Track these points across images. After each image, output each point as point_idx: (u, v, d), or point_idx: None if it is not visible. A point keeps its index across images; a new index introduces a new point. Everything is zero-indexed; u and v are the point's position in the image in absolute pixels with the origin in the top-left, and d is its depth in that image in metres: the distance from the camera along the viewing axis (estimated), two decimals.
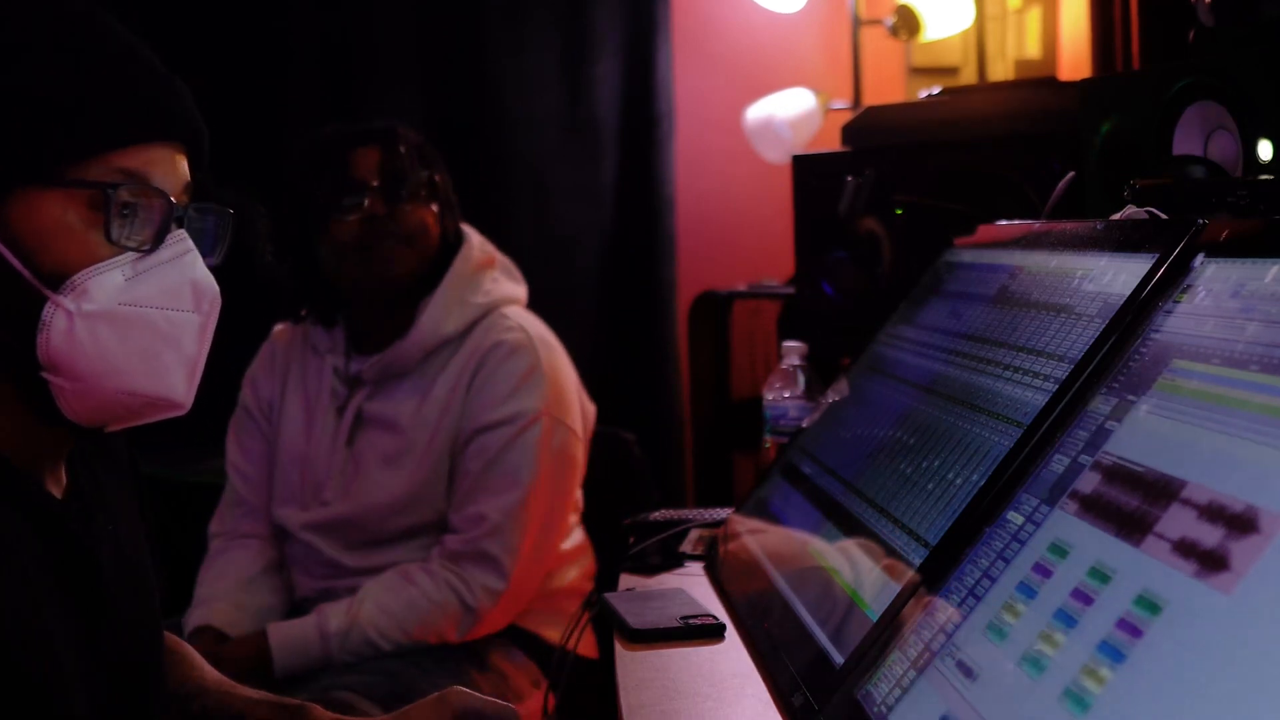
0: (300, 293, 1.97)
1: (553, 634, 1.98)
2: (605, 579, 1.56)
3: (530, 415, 1.89)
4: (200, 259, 1.03)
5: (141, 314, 0.98)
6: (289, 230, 1.89)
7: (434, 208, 1.92)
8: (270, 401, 2.02)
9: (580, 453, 2.00)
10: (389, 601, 1.84)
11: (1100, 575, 0.80)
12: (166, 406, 1.02)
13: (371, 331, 1.95)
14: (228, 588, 1.93)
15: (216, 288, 1.03)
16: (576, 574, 2.07)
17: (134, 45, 1.02)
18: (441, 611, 1.85)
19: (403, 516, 1.92)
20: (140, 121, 0.99)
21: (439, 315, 1.91)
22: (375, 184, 1.87)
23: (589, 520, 2.13)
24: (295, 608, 1.96)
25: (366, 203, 1.86)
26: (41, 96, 0.96)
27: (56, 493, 1.04)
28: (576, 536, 2.08)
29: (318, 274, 1.92)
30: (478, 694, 1.18)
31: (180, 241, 1.01)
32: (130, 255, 0.98)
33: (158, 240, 1.00)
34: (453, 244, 1.96)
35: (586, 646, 1.91)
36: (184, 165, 1.04)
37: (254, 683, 1.65)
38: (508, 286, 2.01)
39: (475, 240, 2.00)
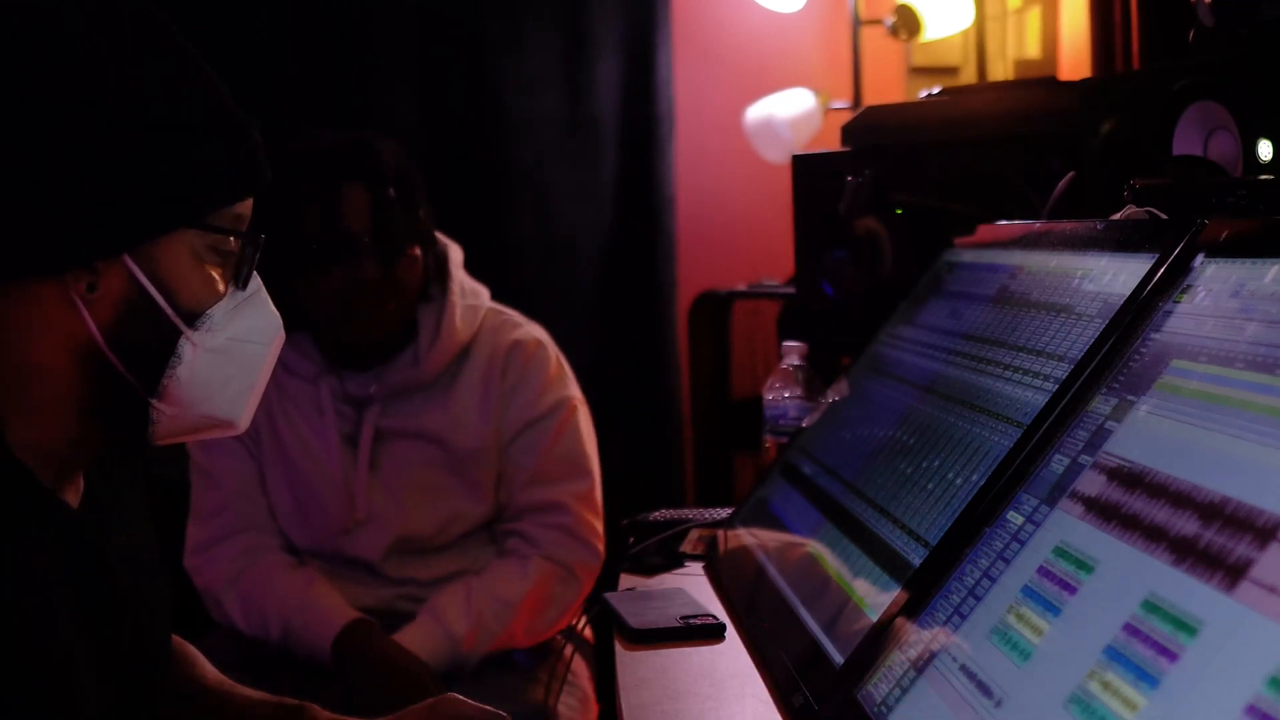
0: None
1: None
2: (605, 579, 1.56)
3: (569, 403, 1.96)
4: (268, 295, 1.09)
5: (236, 347, 1.04)
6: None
7: (418, 252, 1.87)
8: (255, 424, 1.94)
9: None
10: (507, 596, 1.86)
11: (1102, 576, 0.80)
12: (226, 428, 1.08)
13: (361, 350, 1.91)
14: (321, 584, 1.89)
15: (280, 320, 1.09)
16: None
17: (229, 98, 1.07)
18: (556, 598, 1.90)
19: (463, 521, 1.93)
20: (259, 173, 1.06)
21: (455, 325, 1.90)
22: (367, 240, 1.80)
23: None
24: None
25: (359, 263, 1.80)
26: (203, 143, 1.01)
27: (73, 501, 1.05)
28: None
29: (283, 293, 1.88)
30: (470, 701, 1.18)
31: (256, 278, 1.08)
32: (232, 293, 1.05)
33: (247, 278, 1.06)
34: (432, 270, 1.92)
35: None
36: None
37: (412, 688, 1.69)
38: (481, 286, 2.02)
39: (448, 242, 1.99)
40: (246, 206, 1.06)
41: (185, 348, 1.01)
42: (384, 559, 1.92)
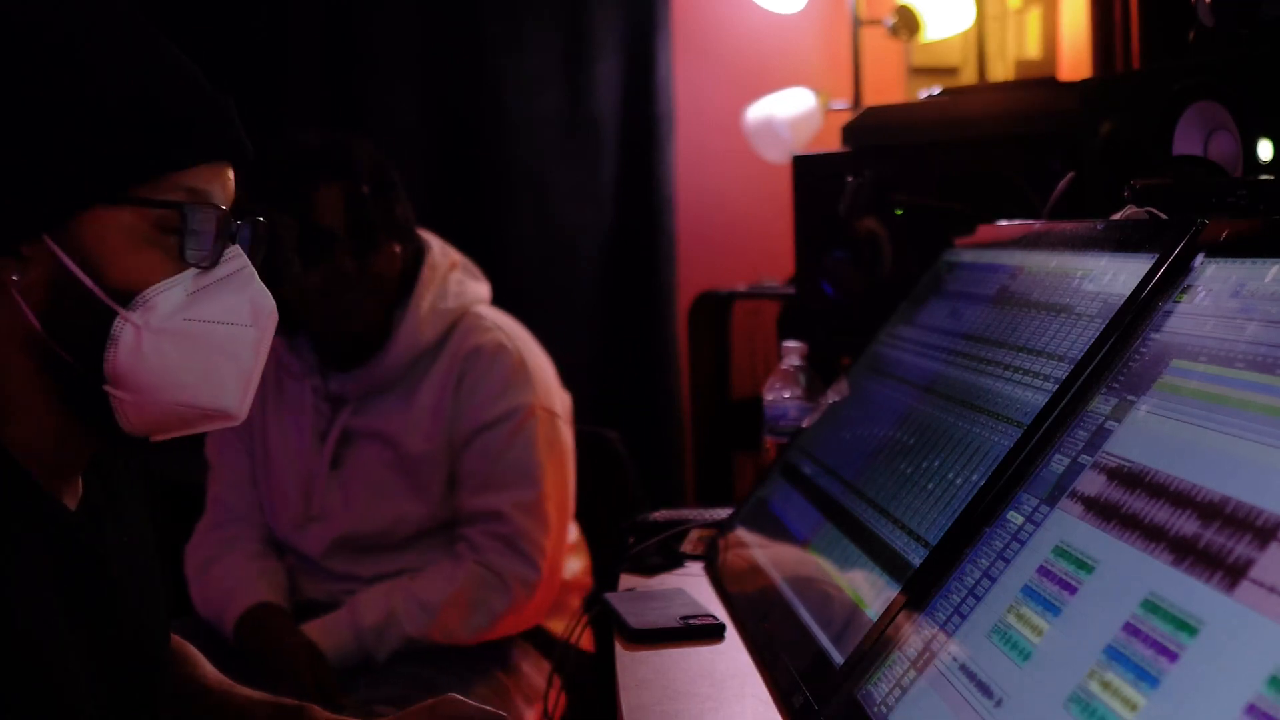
0: None
1: (559, 627, 2.00)
2: (605, 579, 1.56)
3: (525, 410, 1.92)
4: (255, 274, 1.05)
5: (204, 329, 1.00)
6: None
7: (396, 248, 1.89)
8: (250, 419, 1.99)
9: (571, 440, 2.03)
10: (426, 597, 1.86)
11: (1102, 576, 0.80)
12: (221, 418, 1.05)
13: (345, 349, 1.94)
14: (259, 571, 1.93)
15: (273, 302, 1.06)
16: (579, 567, 2.08)
17: (187, 63, 1.04)
18: (480, 605, 1.88)
19: (409, 523, 1.94)
20: (205, 140, 1.01)
21: (416, 327, 1.91)
22: (343, 236, 1.82)
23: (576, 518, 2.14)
24: (301, 609, 1.96)
25: (335, 259, 1.82)
26: (114, 117, 0.97)
27: (70, 503, 1.04)
28: (573, 529, 2.09)
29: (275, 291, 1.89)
30: (470, 701, 1.18)
31: (237, 257, 1.03)
32: (192, 272, 1.00)
33: (217, 256, 1.02)
34: (412, 265, 1.93)
35: (591, 642, 1.92)
36: (232, 180, 1.06)
37: (305, 674, 1.72)
38: (472, 287, 2.01)
39: (435, 245, 1.99)
40: (202, 178, 1.01)
41: (125, 330, 0.97)
42: (324, 555, 1.94)
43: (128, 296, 0.97)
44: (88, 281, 0.97)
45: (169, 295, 0.99)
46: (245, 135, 1.07)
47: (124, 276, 0.97)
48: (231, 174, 1.05)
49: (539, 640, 2.00)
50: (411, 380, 1.93)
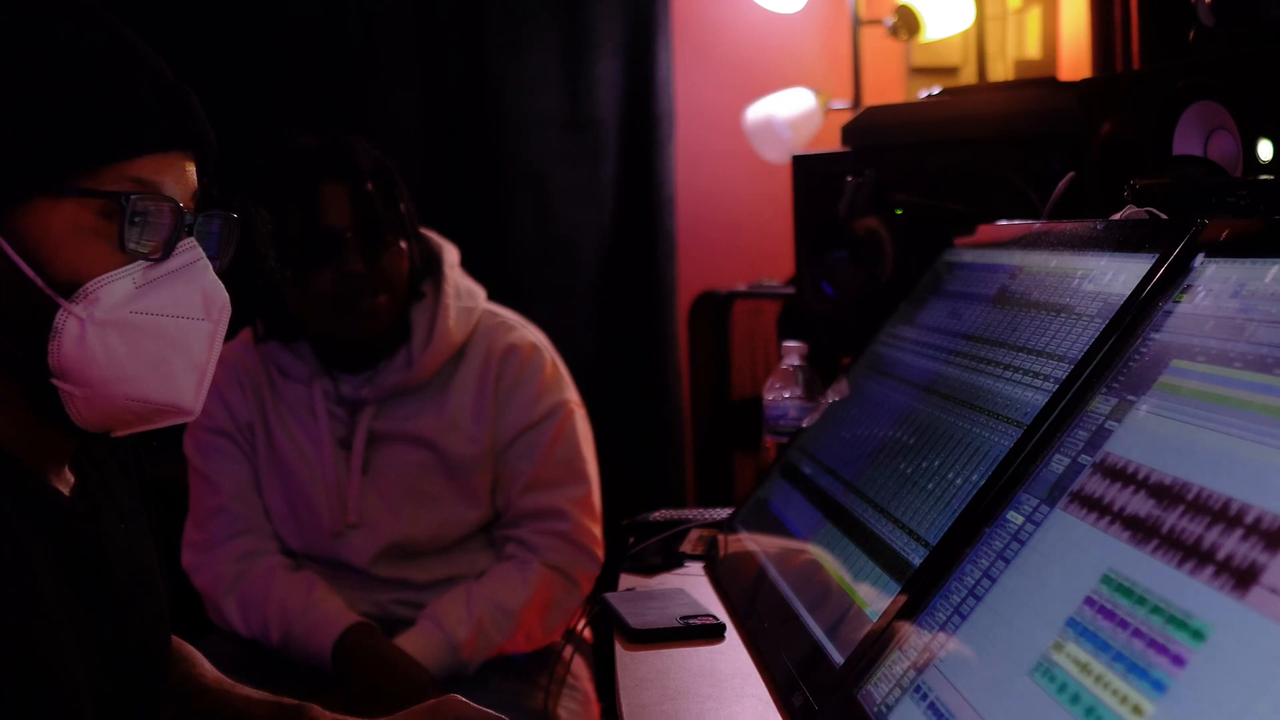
0: (258, 311, 1.90)
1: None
2: (605, 579, 1.56)
3: (565, 407, 1.95)
4: (210, 267, 1.03)
5: (152, 322, 0.99)
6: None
7: (404, 245, 1.86)
8: (249, 424, 1.95)
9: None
10: (508, 604, 1.87)
11: (1104, 579, 0.80)
12: (175, 413, 1.03)
13: (354, 352, 1.90)
14: (319, 587, 1.89)
15: (226, 295, 1.04)
16: None
17: (144, 52, 1.03)
18: (557, 605, 1.90)
19: (459, 526, 1.93)
20: (152, 131, 1.00)
21: (449, 326, 1.89)
22: (350, 235, 1.79)
23: None
24: None
25: (343, 258, 1.80)
26: (54, 106, 0.97)
27: (64, 491, 1.04)
28: None
29: (277, 296, 1.85)
30: (471, 703, 1.18)
31: (190, 249, 1.02)
32: (141, 263, 0.99)
33: (168, 248, 1.00)
34: (420, 265, 1.91)
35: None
36: (193, 173, 1.05)
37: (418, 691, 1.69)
38: (477, 286, 2.00)
39: (444, 242, 1.98)
40: (153, 169, 0.99)
41: (68, 322, 0.96)
42: (373, 563, 1.91)
43: (72, 288, 0.96)
44: (29, 271, 0.96)
45: (114, 287, 0.97)
46: (208, 127, 1.05)
47: (68, 268, 0.96)
48: (191, 166, 1.04)
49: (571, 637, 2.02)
50: (440, 381, 1.92)
